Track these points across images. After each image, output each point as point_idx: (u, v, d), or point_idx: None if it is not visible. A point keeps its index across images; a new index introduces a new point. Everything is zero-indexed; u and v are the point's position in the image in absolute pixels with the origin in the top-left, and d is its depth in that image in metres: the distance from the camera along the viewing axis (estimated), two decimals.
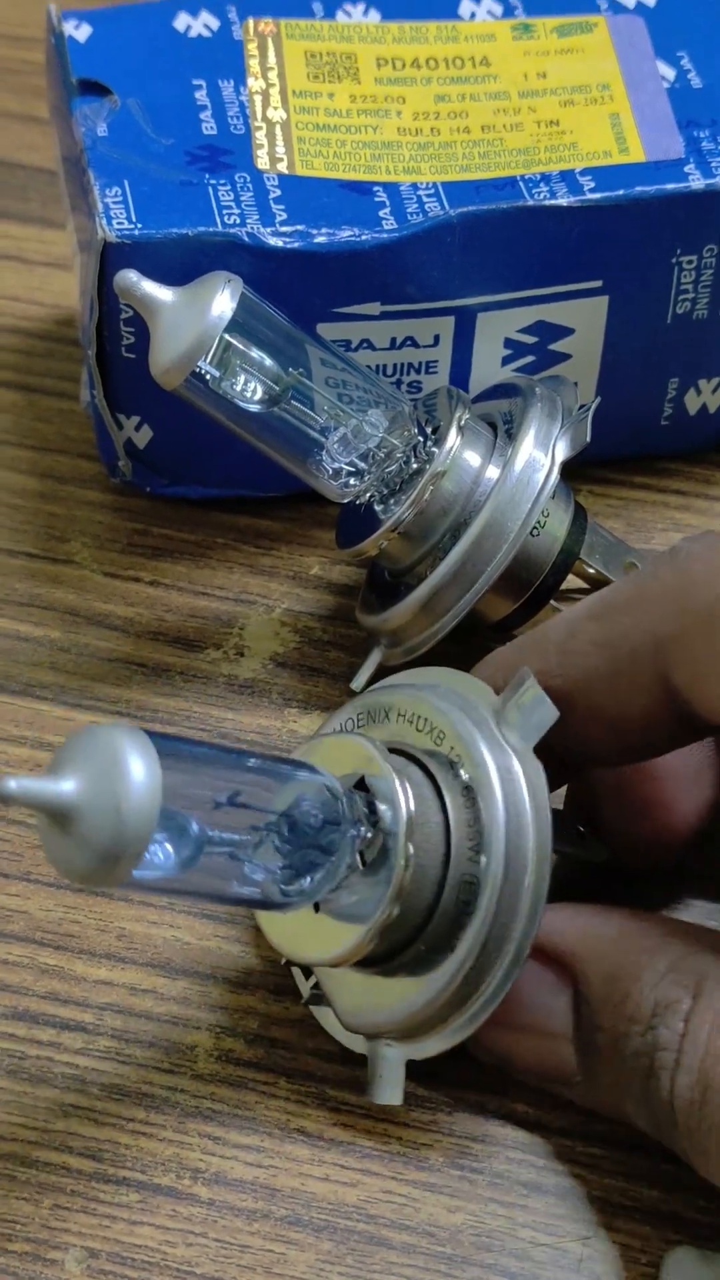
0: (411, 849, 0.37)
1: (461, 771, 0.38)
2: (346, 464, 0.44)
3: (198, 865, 0.35)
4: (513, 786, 0.38)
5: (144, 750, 0.34)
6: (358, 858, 0.37)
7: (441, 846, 0.37)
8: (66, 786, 0.33)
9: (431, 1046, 0.38)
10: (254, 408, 0.43)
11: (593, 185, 0.45)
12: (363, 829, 0.37)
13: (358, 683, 0.45)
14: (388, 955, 0.38)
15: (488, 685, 0.39)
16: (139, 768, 0.34)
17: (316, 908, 0.37)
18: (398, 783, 0.37)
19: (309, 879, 0.37)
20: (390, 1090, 0.38)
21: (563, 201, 0.45)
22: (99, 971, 0.41)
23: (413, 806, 0.37)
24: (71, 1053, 0.40)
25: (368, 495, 0.44)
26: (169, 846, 0.35)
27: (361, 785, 0.38)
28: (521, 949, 0.37)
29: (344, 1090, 0.39)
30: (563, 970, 0.38)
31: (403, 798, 0.37)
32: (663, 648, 0.37)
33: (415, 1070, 0.38)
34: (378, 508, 0.44)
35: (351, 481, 0.44)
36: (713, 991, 0.36)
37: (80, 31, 0.48)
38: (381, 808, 0.37)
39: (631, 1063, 0.36)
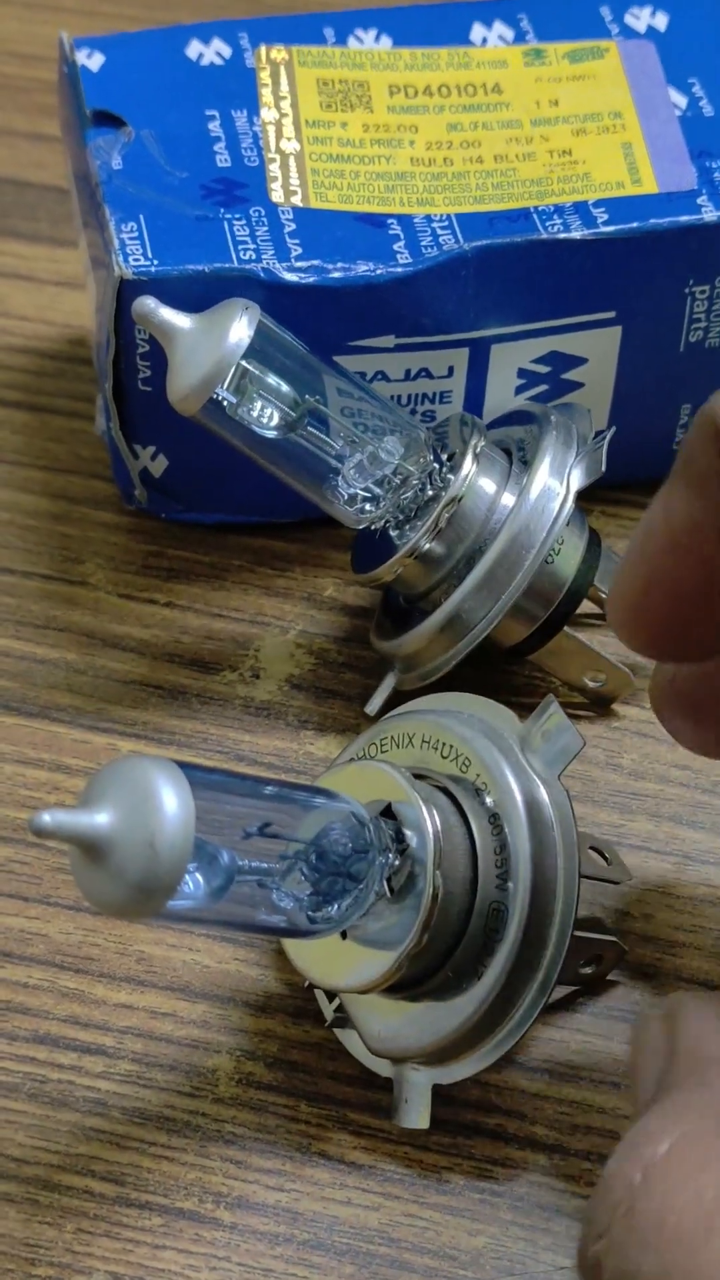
0: (439, 877, 0.37)
1: (487, 798, 0.38)
2: (362, 490, 0.44)
3: (228, 895, 0.36)
4: (539, 814, 0.38)
5: (176, 782, 0.34)
6: (385, 885, 0.37)
7: (469, 873, 0.38)
8: (100, 819, 0.34)
9: (458, 1071, 0.38)
10: (270, 434, 0.43)
11: (606, 217, 0.45)
12: (391, 857, 0.37)
13: (372, 707, 0.45)
14: (415, 981, 0.38)
15: (511, 712, 0.40)
16: (172, 800, 0.34)
17: (344, 935, 0.38)
18: (425, 810, 0.38)
19: (336, 907, 0.37)
20: (416, 1114, 0.38)
21: (576, 234, 0.45)
22: (119, 995, 0.42)
23: (440, 834, 0.37)
24: (93, 1076, 0.41)
25: (383, 521, 0.44)
26: (199, 876, 0.35)
27: (388, 813, 0.38)
28: (549, 976, 0.38)
29: (365, 1114, 0.40)
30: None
31: (430, 825, 0.37)
32: None
33: (437, 1094, 0.39)
34: (393, 533, 0.44)
35: (367, 507, 0.44)
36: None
37: (93, 60, 0.48)
38: (409, 835, 0.37)
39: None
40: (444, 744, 0.39)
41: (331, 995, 0.40)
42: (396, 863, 0.37)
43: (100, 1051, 0.41)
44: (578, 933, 0.39)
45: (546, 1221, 0.39)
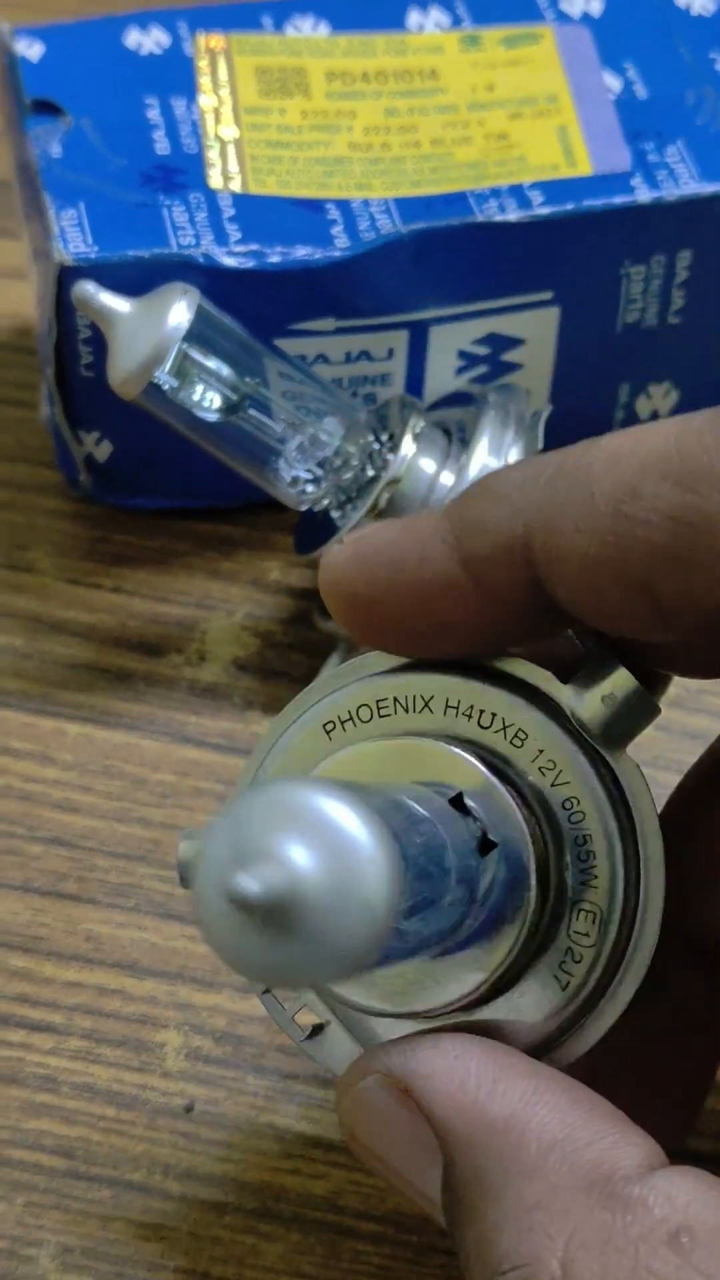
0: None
1: (552, 782, 0.31)
2: (304, 471, 0.45)
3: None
4: (617, 799, 0.32)
5: (368, 817, 0.26)
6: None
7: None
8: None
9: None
10: (212, 417, 0.44)
11: (541, 199, 0.46)
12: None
13: None
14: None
15: (547, 671, 0.32)
16: (375, 846, 0.25)
17: None
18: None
19: (469, 920, 0.31)
20: None
21: (512, 216, 0.46)
22: (68, 973, 0.42)
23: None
24: (42, 1053, 0.41)
25: (325, 502, 0.45)
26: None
27: (457, 803, 0.31)
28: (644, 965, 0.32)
29: (311, 1085, 0.40)
30: (429, 1129, 0.30)
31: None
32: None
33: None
34: (335, 514, 0.45)
35: (309, 489, 0.45)
36: (583, 1262, 0.28)
37: (33, 50, 0.49)
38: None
39: None
40: (482, 711, 0.32)
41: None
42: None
43: (49, 1029, 0.41)
44: None
45: None
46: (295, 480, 0.45)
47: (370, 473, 0.44)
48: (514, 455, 0.44)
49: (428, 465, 0.44)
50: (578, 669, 0.32)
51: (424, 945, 0.30)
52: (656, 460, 0.30)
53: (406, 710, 0.32)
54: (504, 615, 0.31)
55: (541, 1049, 0.32)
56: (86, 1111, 0.40)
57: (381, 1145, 0.31)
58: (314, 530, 0.45)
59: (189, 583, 0.49)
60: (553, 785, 0.31)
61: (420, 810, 0.30)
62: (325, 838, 0.25)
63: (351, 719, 0.33)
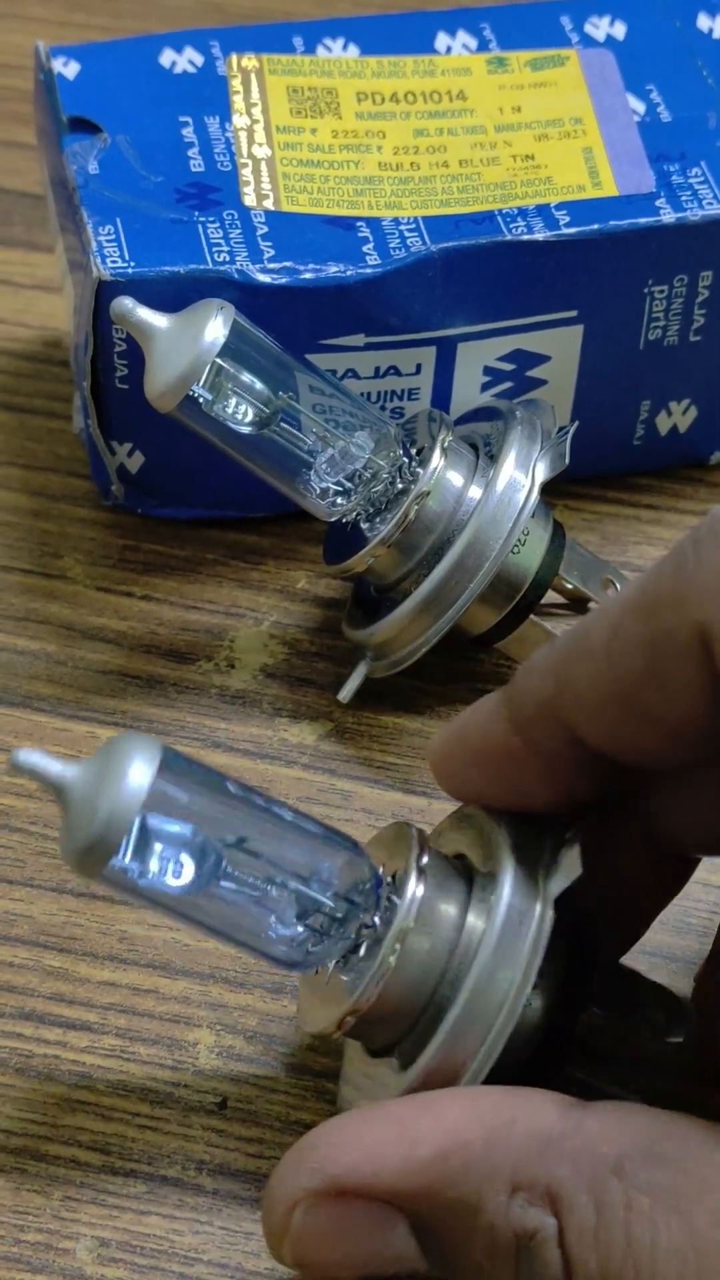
0: (399, 950, 0.37)
1: (492, 896, 0.37)
2: (334, 484, 0.45)
3: (210, 895, 0.37)
4: (515, 930, 0.37)
5: (148, 760, 0.36)
6: (362, 941, 0.37)
7: (441, 962, 0.37)
8: (67, 773, 0.36)
9: None
10: (245, 430, 0.45)
11: (568, 220, 0.47)
12: (375, 917, 0.37)
13: (345, 695, 0.47)
14: (387, 1048, 0.38)
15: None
16: (136, 774, 0.35)
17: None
18: (413, 884, 0.37)
19: (319, 946, 0.37)
20: None
21: (539, 236, 0.47)
22: (102, 973, 0.43)
23: (416, 912, 0.37)
24: (78, 1051, 0.42)
25: (354, 514, 0.46)
26: (181, 865, 0.36)
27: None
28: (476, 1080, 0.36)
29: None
30: (376, 1205, 0.33)
31: (410, 900, 0.37)
32: (714, 644, 0.34)
33: None
34: (364, 525, 0.46)
35: (339, 501, 0.46)
36: (575, 1203, 0.31)
37: (69, 69, 0.50)
38: (397, 903, 0.37)
39: None
40: (486, 835, 0.38)
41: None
42: (377, 925, 0.37)
43: (85, 1027, 0.42)
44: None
45: None
46: (325, 492, 0.46)
47: (399, 486, 0.45)
48: (541, 469, 0.45)
49: (455, 479, 0.45)
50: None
51: (217, 916, 0.37)
52: (629, 601, 0.35)
53: (464, 825, 0.39)
54: (557, 768, 0.37)
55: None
56: (121, 1108, 0.41)
57: (342, 1247, 0.33)
58: (343, 541, 0.46)
59: (218, 591, 0.50)
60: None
61: (285, 816, 0.37)
62: (104, 762, 0.36)
63: (442, 826, 0.40)
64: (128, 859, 0.36)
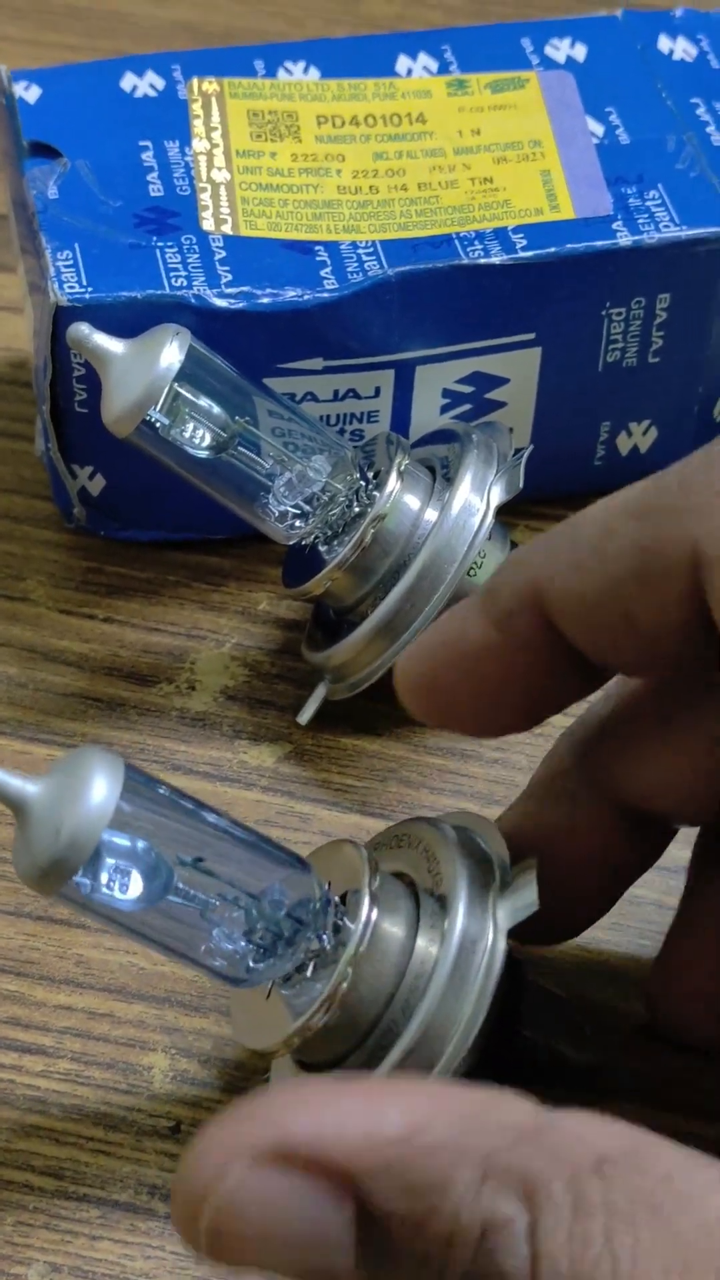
0: (350, 975, 0.37)
1: (444, 922, 0.38)
2: (292, 507, 0.46)
3: (159, 910, 0.37)
4: (470, 959, 0.37)
5: (112, 776, 0.36)
6: (309, 960, 0.38)
7: (390, 985, 0.37)
8: (28, 789, 0.36)
9: None
10: (202, 454, 0.45)
11: (525, 243, 0.47)
12: (326, 938, 0.38)
13: (304, 717, 0.47)
14: (326, 1065, 0.38)
15: (508, 850, 0.39)
16: (99, 790, 0.35)
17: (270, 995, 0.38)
18: (366, 907, 0.37)
19: (264, 963, 0.38)
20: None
21: (496, 259, 0.47)
22: (58, 997, 0.43)
23: (369, 934, 0.37)
24: (32, 1075, 0.42)
25: (312, 537, 0.46)
26: (132, 880, 0.37)
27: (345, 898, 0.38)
28: None
29: None
30: (331, 1183, 0.29)
31: (362, 922, 0.37)
32: (702, 567, 0.34)
33: None
34: (322, 548, 0.46)
35: (297, 524, 0.46)
36: (552, 1196, 0.28)
37: (30, 93, 0.50)
38: (349, 926, 0.37)
39: None
40: (434, 857, 0.39)
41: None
42: (329, 946, 0.37)
43: (40, 1051, 0.42)
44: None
45: None
46: (284, 515, 0.46)
47: (356, 509, 0.46)
48: (496, 492, 0.45)
49: (412, 502, 0.45)
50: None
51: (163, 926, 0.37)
52: (626, 503, 0.36)
53: (409, 845, 0.39)
54: (534, 667, 0.37)
55: None
56: (75, 1132, 0.41)
57: (274, 1221, 0.28)
58: (301, 564, 0.46)
59: (179, 613, 0.50)
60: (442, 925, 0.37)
61: (237, 833, 0.38)
62: (67, 778, 0.36)
63: (382, 842, 0.40)
64: (80, 874, 0.36)
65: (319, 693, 0.47)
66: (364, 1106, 0.29)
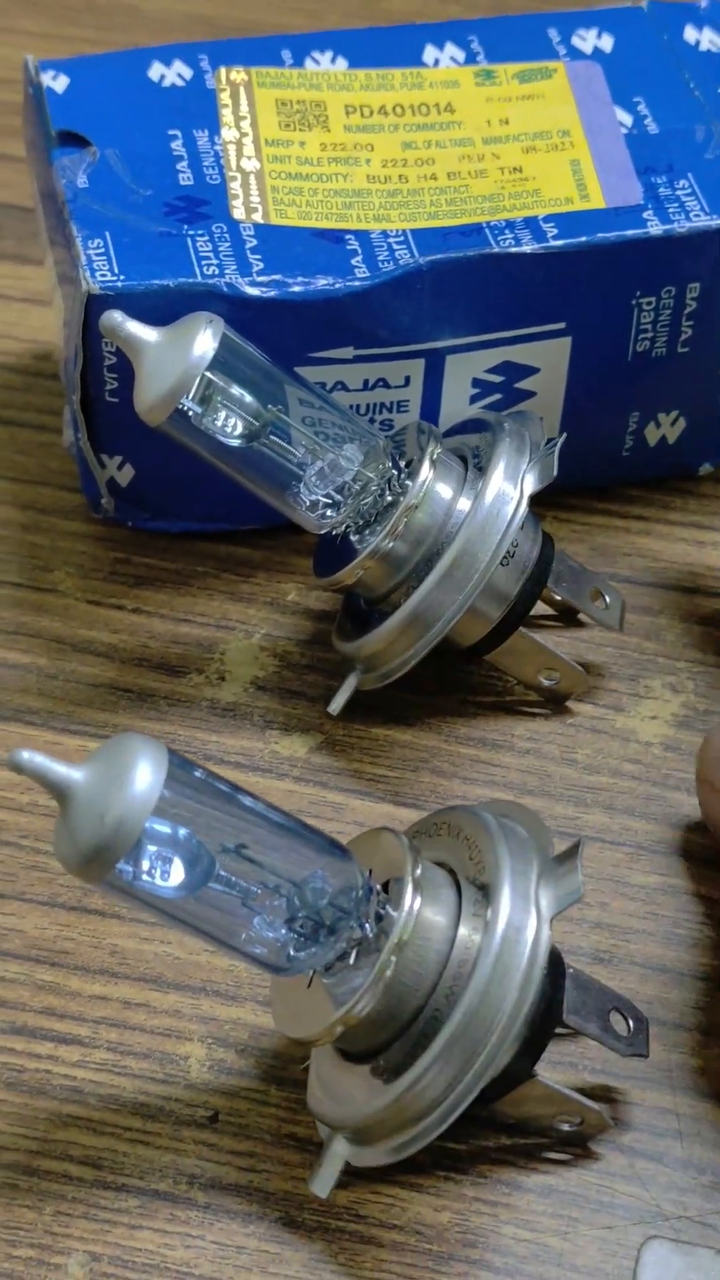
0: (394, 963, 0.37)
1: (488, 910, 0.38)
2: (324, 496, 0.46)
3: (201, 898, 0.37)
4: (514, 947, 0.37)
5: (156, 763, 0.35)
6: (351, 949, 0.37)
7: (434, 974, 0.37)
8: (74, 774, 0.35)
9: (368, 1157, 0.38)
10: (234, 443, 0.45)
11: (555, 232, 0.47)
12: (369, 927, 0.37)
13: (335, 707, 0.47)
14: (367, 1053, 0.38)
15: (548, 838, 0.40)
16: (144, 776, 0.35)
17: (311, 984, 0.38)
18: (410, 896, 0.37)
19: (305, 951, 0.38)
20: (323, 1182, 0.39)
21: (527, 248, 0.47)
22: (94, 987, 0.43)
23: (414, 923, 0.37)
24: (69, 1065, 0.42)
25: (344, 526, 0.46)
26: (174, 868, 0.36)
27: (388, 886, 0.38)
28: (458, 1103, 0.37)
29: None
30: None
31: (407, 912, 0.37)
32: None
33: None
34: (353, 538, 0.46)
35: (328, 513, 0.46)
36: None
37: (58, 83, 0.50)
38: (392, 914, 0.37)
39: None
40: (474, 846, 0.39)
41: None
42: (372, 934, 0.37)
43: (76, 1041, 0.42)
44: (564, 1089, 0.39)
45: (507, 1196, 0.40)
46: (315, 505, 0.46)
47: (388, 498, 0.45)
48: (530, 481, 0.45)
49: (444, 491, 0.45)
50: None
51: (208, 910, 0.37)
52: None
53: (448, 832, 0.40)
54: None
55: (384, 1129, 0.38)
56: (113, 1123, 0.41)
57: None
58: (333, 554, 0.46)
59: (209, 604, 0.50)
60: (485, 911, 0.38)
61: (279, 820, 0.37)
62: (111, 766, 0.35)
63: (423, 829, 0.41)
64: (123, 861, 0.36)
65: (350, 683, 0.47)
66: None
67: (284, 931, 0.37)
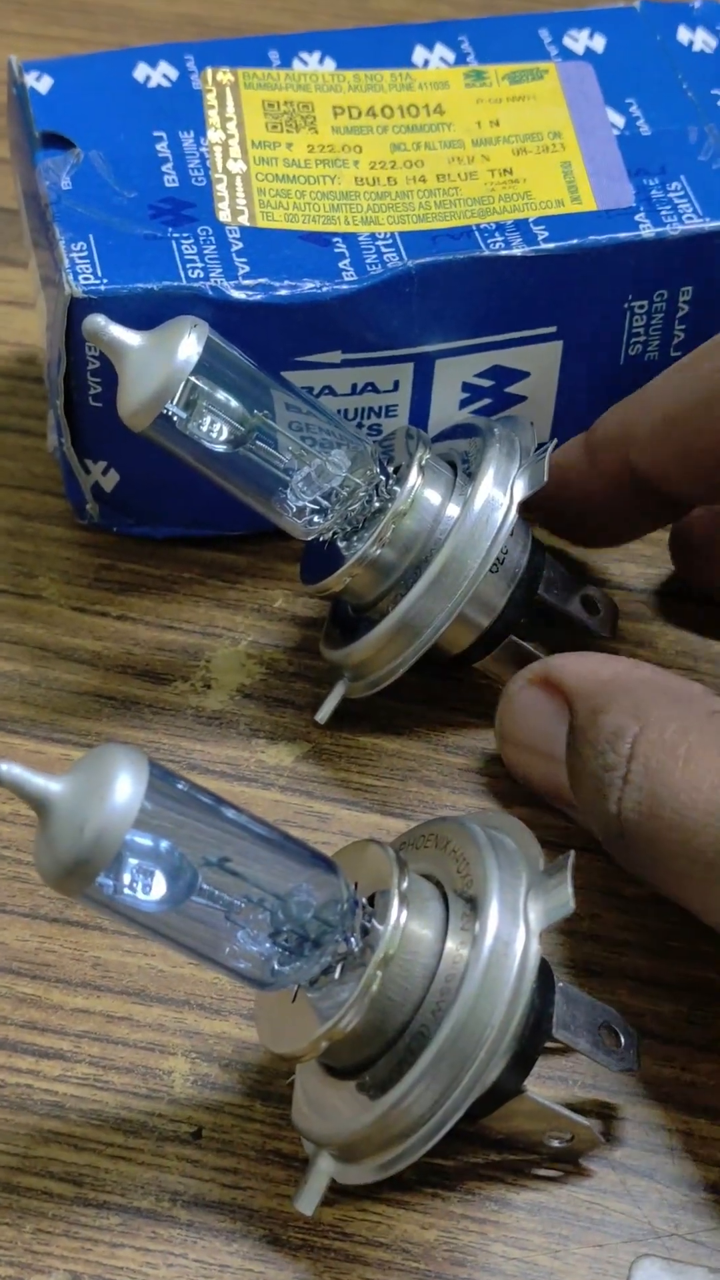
0: (379, 978, 0.37)
1: (476, 924, 0.37)
2: (310, 502, 0.45)
3: (182, 911, 0.36)
4: (502, 961, 0.37)
5: (136, 774, 0.35)
6: (336, 963, 0.37)
7: (420, 988, 0.37)
8: (53, 786, 0.35)
9: (354, 1175, 0.38)
10: (220, 448, 0.44)
11: (546, 235, 0.46)
12: (354, 941, 0.37)
13: (322, 715, 0.46)
14: (353, 1069, 0.38)
15: (540, 851, 0.39)
16: (124, 788, 0.35)
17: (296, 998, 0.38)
18: (396, 910, 0.37)
19: (289, 965, 0.37)
20: (308, 1201, 0.38)
21: (517, 251, 0.46)
22: (75, 1000, 0.42)
23: (399, 937, 0.37)
24: (50, 1080, 0.41)
25: (331, 533, 0.45)
26: (155, 881, 0.36)
27: (374, 900, 0.38)
28: (446, 1119, 0.37)
29: None
30: (564, 702, 0.43)
31: (393, 925, 0.37)
32: None
33: None
34: (341, 544, 0.45)
35: (315, 520, 0.45)
36: (657, 721, 0.40)
37: (41, 83, 0.49)
38: (378, 928, 0.37)
39: (591, 783, 0.41)
40: (462, 858, 0.38)
41: None
42: (357, 948, 0.37)
43: (57, 1055, 0.41)
44: (554, 1105, 0.38)
45: (496, 1214, 0.39)
46: (302, 511, 0.45)
47: (376, 504, 0.45)
48: (520, 487, 0.45)
49: (433, 497, 0.45)
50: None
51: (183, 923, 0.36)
52: (712, 345, 0.43)
53: (436, 845, 0.39)
54: (616, 496, 0.45)
55: (369, 1147, 0.38)
56: (94, 1138, 0.40)
57: (525, 728, 0.44)
58: (320, 560, 0.46)
59: (194, 611, 0.49)
60: (473, 925, 0.37)
61: (262, 832, 0.37)
62: (91, 778, 0.35)
63: (408, 841, 0.40)
64: (103, 874, 0.35)
65: (338, 691, 0.46)
66: (596, 663, 0.43)
67: (268, 945, 0.37)
